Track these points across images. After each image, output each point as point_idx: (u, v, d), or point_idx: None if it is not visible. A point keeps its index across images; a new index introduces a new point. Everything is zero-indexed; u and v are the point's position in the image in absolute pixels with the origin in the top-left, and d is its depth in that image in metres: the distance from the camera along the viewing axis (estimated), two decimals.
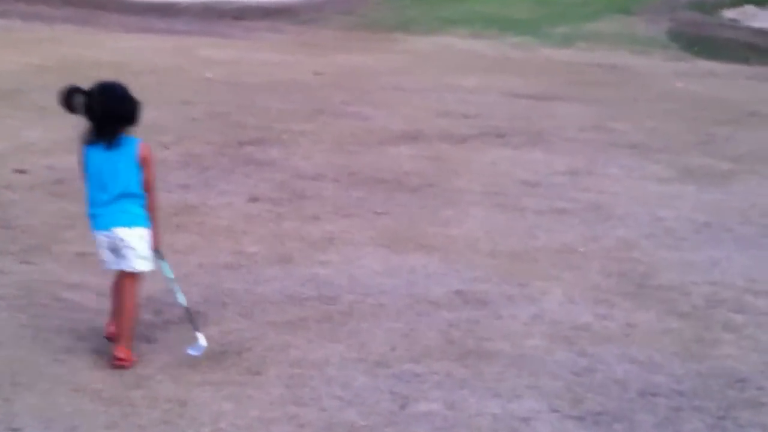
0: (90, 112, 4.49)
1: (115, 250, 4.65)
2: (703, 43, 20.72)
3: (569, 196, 8.32)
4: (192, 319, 5.03)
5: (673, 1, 25.01)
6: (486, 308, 5.80)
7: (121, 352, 4.69)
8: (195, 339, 4.94)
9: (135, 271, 4.73)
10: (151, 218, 4.79)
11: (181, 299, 5.02)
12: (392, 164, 9.31)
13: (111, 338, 4.87)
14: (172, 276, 5.05)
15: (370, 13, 26.00)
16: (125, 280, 4.75)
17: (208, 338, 5.16)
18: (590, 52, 19.96)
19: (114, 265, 4.73)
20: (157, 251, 4.90)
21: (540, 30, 22.92)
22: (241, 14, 25.40)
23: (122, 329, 4.75)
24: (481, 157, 9.75)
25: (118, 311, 4.81)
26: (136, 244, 4.66)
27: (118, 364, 4.69)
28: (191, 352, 4.86)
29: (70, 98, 4.50)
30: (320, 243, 6.91)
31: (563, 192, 8.48)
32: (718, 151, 10.31)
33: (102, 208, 4.61)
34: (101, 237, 4.68)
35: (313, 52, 18.85)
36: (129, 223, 4.63)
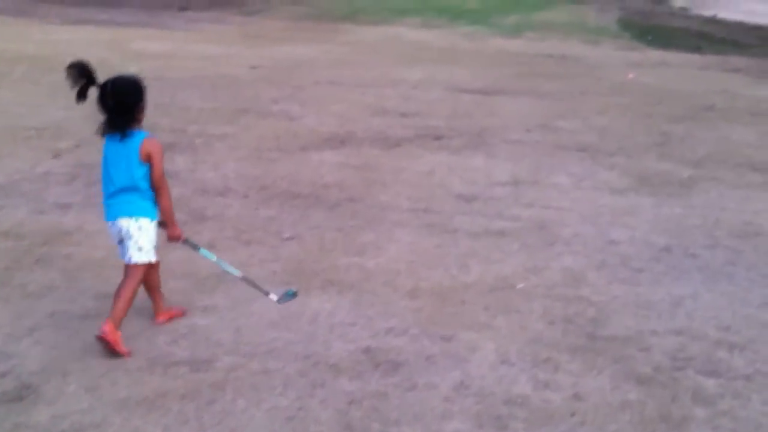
0: (103, 104, 4.31)
1: (120, 241, 4.47)
2: (654, 32, 19.44)
3: (510, 214, 6.92)
4: (254, 285, 5.03)
5: None
6: (398, 373, 4.39)
7: (107, 327, 4.33)
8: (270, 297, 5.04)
9: (131, 263, 4.47)
10: (164, 215, 4.55)
11: (234, 272, 5.02)
12: (313, 174, 7.86)
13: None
14: (215, 258, 4.99)
15: (319, 3, 24.48)
16: (128, 269, 4.49)
17: (34, 426, 3.79)
18: (541, 42, 18.61)
19: (121, 256, 4.52)
20: (188, 241, 4.83)
21: (491, 19, 21.54)
22: (186, 5, 23.82)
23: (115, 311, 4.40)
24: (415, 164, 8.32)
25: (115, 294, 4.45)
26: (135, 234, 4.43)
27: (101, 336, 4.32)
28: (279, 302, 5.03)
29: (84, 88, 4.31)
30: (209, 281, 5.45)
31: (503, 208, 7.07)
32: (675, 154, 8.96)
33: (109, 199, 4.44)
34: (110, 227, 4.51)
35: (254, 43, 17.34)
36: (131, 214, 4.41)
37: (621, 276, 5.69)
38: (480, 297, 5.32)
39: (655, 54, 17.33)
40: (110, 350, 4.35)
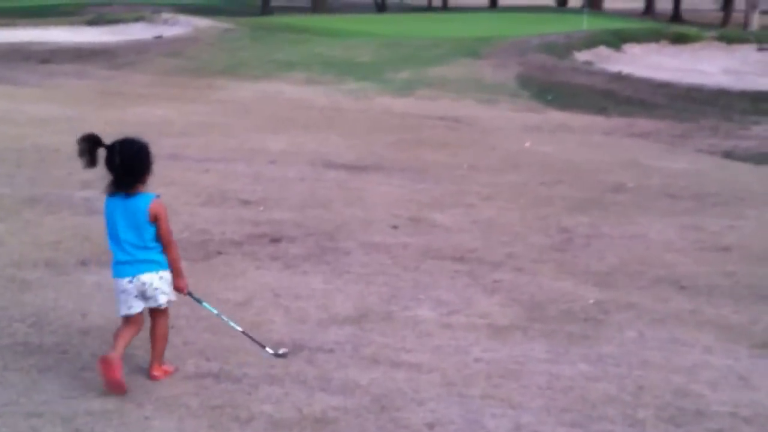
0: (110, 165, 4.36)
1: (143, 294, 4.50)
2: (555, 90, 17.56)
3: (342, 380, 4.61)
4: (252, 338, 4.89)
5: (522, 43, 21.89)
6: None
7: (156, 370, 4.61)
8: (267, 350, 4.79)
9: (162, 307, 4.57)
10: (173, 267, 4.59)
11: (234, 325, 4.92)
12: (73, 310, 5.43)
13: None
14: (216, 311, 4.92)
15: (199, 55, 22.18)
16: (157, 314, 4.60)
17: None
18: (432, 102, 16.56)
19: (138, 309, 4.52)
20: (191, 294, 4.77)
21: (382, 75, 19.45)
22: (50, 57, 21.21)
23: (157, 351, 4.62)
24: (229, 288, 5.96)
25: (153, 336, 4.63)
26: (159, 285, 4.52)
27: (155, 379, 4.57)
28: (273, 352, 4.89)
29: (93, 152, 4.36)
30: None
31: (334, 368, 4.76)
32: (578, 263, 6.78)
33: (123, 257, 4.45)
34: (126, 284, 4.47)
35: (109, 102, 14.88)
36: (150, 269, 4.49)
37: None
38: None
39: (555, 116, 15.38)
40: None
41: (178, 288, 4.64)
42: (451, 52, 21.64)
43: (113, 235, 4.45)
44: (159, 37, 24.59)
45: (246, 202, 8.34)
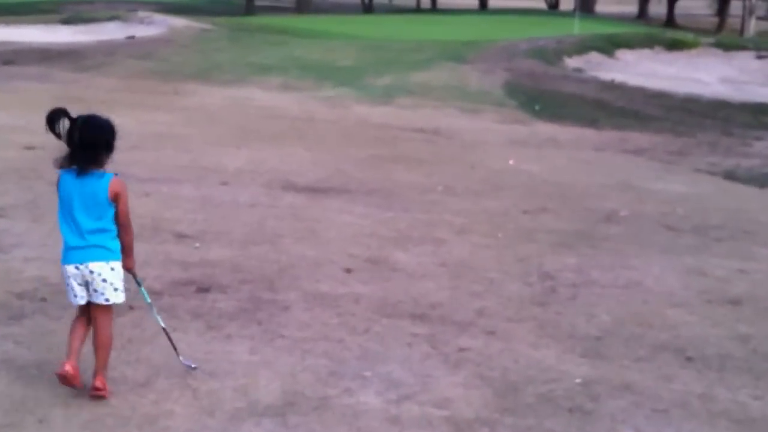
0: (70, 138, 4.12)
1: (88, 284, 4.22)
2: (543, 100, 16.42)
3: None
4: (170, 339, 4.67)
5: (511, 47, 20.77)
6: None
7: (99, 382, 4.24)
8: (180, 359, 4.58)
9: (109, 303, 4.28)
10: (126, 248, 4.34)
11: (160, 322, 4.72)
12: None
13: (63, 378, 4.18)
14: (149, 300, 4.69)
15: (171, 58, 20.99)
16: (99, 312, 4.29)
17: None
18: (412, 111, 15.38)
19: (82, 300, 4.27)
20: (135, 277, 4.52)
21: (362, 80, 18.30)
22: (14, 58, 20.01)
23: (100, 360, 4.28)
24: (126, 360, 4.78)
25: (95, 344, 4.30)
26: (108, 276, 4.24)
27: (96, 394, 4.22)
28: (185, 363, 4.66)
29: (56, 121, 4.10)
30: None
31: None
32: (562, 325, 5.60)
33: (76, 242, 4.18)
34: (72, 270, 4.22)
35: None
36: (102, 258, 4.22)
37: None
38: None
39: (543, 128, 14.22)
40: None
41: (127, 267, 4.42)
42: (436, 56, 20.55)
43: (67, 217, 4.19)
44: (131, 38, 23.41)
45: (181, 236, 7.17)
